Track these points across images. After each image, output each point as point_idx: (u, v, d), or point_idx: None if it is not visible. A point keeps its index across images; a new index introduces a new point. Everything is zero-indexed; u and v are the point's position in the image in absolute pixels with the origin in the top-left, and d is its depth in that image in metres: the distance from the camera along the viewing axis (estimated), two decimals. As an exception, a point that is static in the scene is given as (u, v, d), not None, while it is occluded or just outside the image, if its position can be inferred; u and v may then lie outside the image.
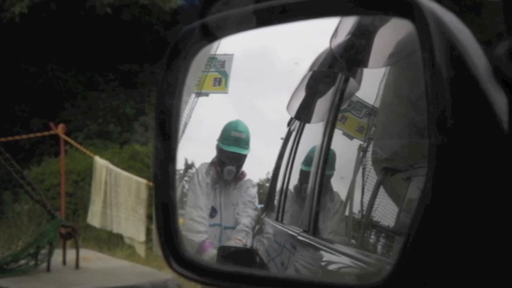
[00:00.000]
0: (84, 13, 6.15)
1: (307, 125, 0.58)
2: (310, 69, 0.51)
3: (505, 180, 0.28)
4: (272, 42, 0.46)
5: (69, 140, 4.28)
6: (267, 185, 0.61)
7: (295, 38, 0.44)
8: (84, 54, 6.39)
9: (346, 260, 0.42)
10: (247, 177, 0.64)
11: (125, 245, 4.20)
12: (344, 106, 0.49)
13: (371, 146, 0.44)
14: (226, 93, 0.57)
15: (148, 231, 3.92)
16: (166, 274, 3.16)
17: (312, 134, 0.55)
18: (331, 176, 0.50)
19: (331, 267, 0.44)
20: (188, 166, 0.59)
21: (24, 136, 4.54)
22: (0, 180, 3.73)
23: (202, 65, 0.54)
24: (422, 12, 0.30)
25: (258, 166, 0.59)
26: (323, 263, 0.46)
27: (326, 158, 0.50)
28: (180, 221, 0.45)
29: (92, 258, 3.80)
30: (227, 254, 0.58)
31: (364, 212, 0.42)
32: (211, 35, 0.43)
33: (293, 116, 0.57)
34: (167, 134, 0.42)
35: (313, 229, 0.51)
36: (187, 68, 0.43)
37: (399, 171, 0.39)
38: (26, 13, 5.91)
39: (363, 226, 0.42)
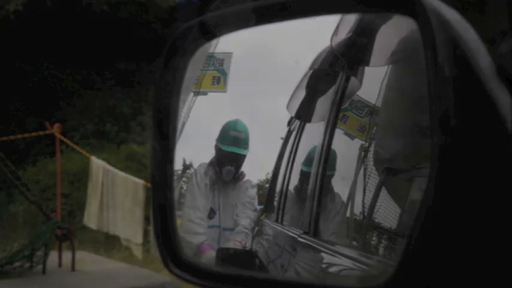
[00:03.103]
0: (80, 11, 6.10)
1: (307, 125, 0.57)
2: (311, 67, 0.51)
3: (508, 181, 0.28)
4: (272, 40, 0.46)
5: (65, 139, 4.25)
6: (267, 185, 0.60)
7: (295, 36, 0.44)
8: (80, 52, 6.34)
9: (347, 262, 0.41)
10: (246, 178, 0.63)
11: (122, 247, 4.17)
12: (345, 105, 0.49)
13: (372, 146, 0.44)
14: (225, 92, 0.57)
15: (145, 233, 3.90)
16: (164, 276, 3.14)
17: (313, 134, 0.55)
18: (332, 176, 0.50)
19: (332, 269, 0.44)
20: (186, 166, 0.58)
21: (19, 136, 4.49)
22: (-5, 180, 3.69)
23: (201, 64, 0.53)
24: (425, 9, 0.30)
25: (257, 166, 0.59)
26: (324, 265, 0.46)
27: (327, 158, 0.50)
28: (178, 222, 0.44)
29: (88, 260, 3.76)
30: (226, 256, 0.57)
31: (365, 213, 0.42)
32: (209, 33, 0.42)
33: (293, 115, 0.56)
34: (165, 133, 0.42)
35: (314, 231, 0.50)
36: (185, 67, 0.43)
37: (401, 172, 0.38)
38: (21, 11, 5.85)
39: (364, 228, 0.42)
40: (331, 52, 0.48)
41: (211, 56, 0.53)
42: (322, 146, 0.51)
